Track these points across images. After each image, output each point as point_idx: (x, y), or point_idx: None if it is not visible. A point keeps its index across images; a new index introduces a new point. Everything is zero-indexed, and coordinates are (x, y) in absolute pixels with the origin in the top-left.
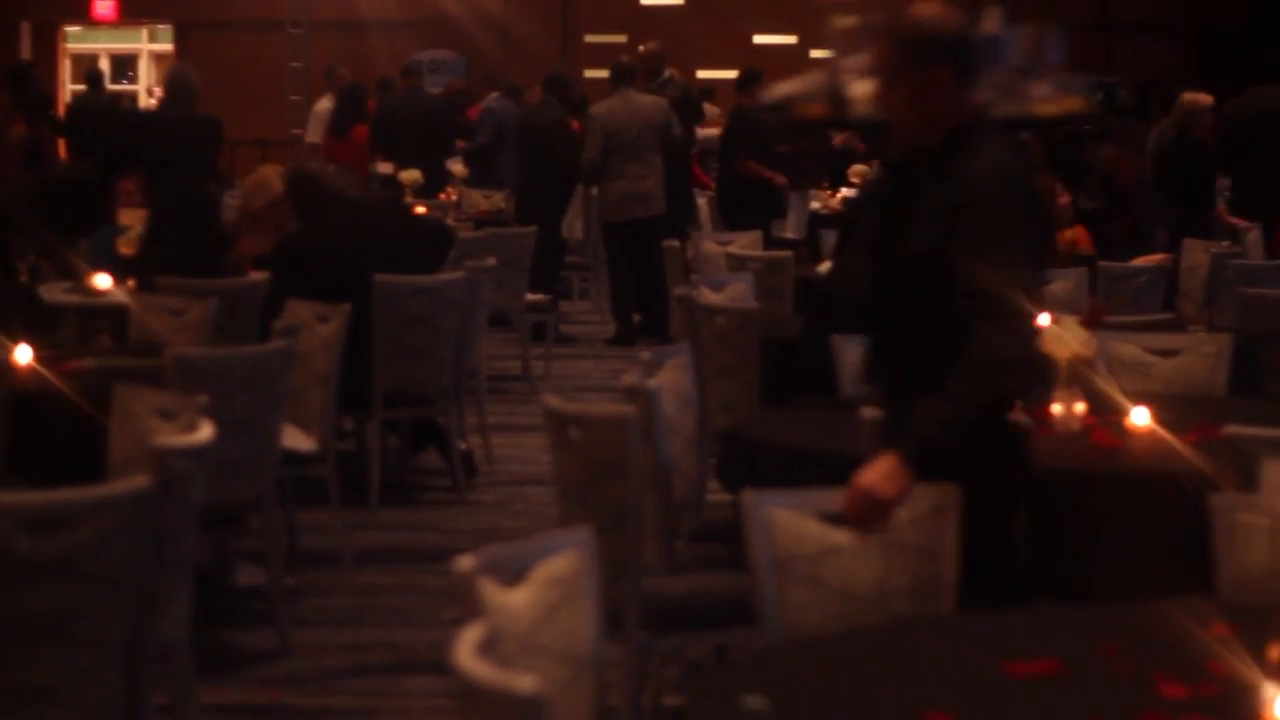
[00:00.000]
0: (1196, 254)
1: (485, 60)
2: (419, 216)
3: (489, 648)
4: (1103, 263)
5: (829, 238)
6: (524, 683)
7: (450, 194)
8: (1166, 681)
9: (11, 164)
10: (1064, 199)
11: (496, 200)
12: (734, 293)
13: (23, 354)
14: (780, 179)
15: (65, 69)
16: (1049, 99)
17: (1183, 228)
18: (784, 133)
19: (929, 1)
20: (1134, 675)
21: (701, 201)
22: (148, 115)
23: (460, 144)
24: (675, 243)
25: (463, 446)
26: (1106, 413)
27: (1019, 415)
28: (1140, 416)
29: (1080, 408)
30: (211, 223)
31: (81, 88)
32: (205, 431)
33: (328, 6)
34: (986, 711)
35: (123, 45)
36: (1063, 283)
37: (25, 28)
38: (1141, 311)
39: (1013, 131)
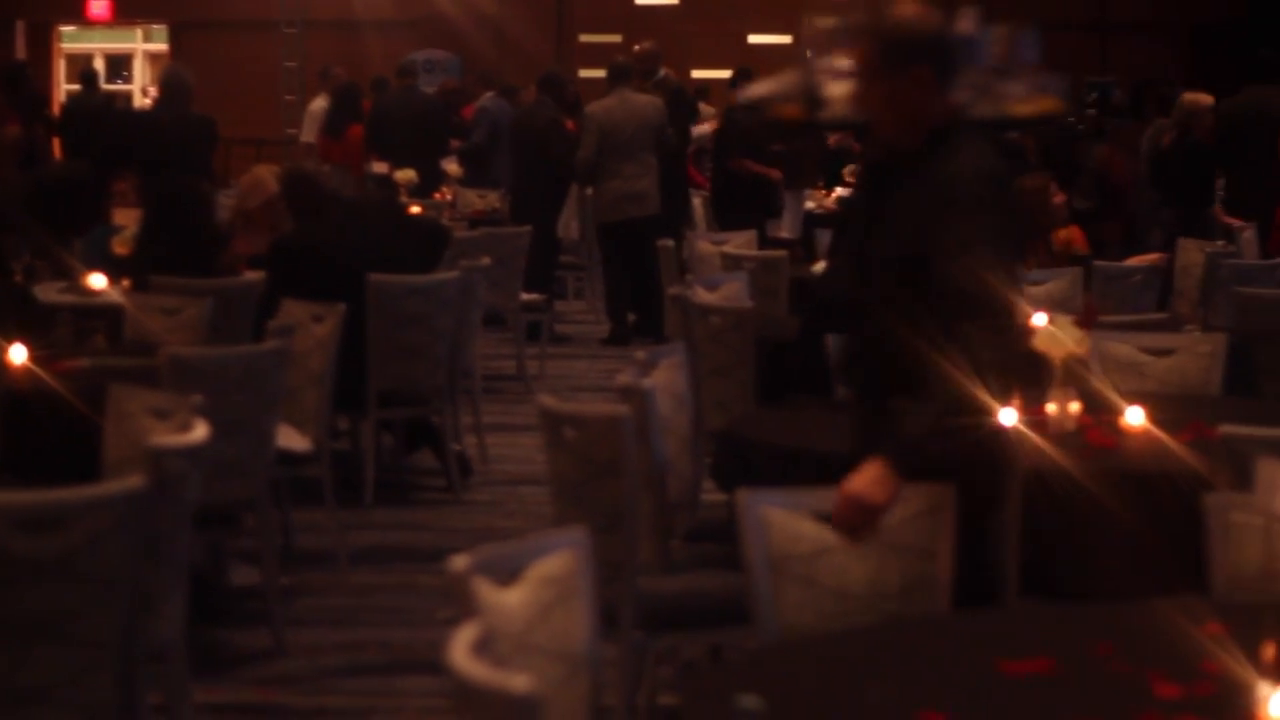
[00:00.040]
0: (1191, 254)
1: (480, 60)
2: (414, 216)
3: (484, 647)
4: (1097, 262)
5: (824, 237)
6: (519, 682)
7: (445, 193)
8: (1161, 681)
9: (6, 164)
10: (1059, 198)
11: (491, 200)
12: (729, 292)
13: (18, 354)
14: (775, 173)
15: (60, 69)
16: (1025, 99)
17: (1183, 227)
18: (778, 132)
19: (909, 1)
20: (1128, 675)
21: (696, 201)
22: (142, 115)
23: (455, 144)
24: (670, 242)
25: (456, 448)
26: (1101, 412)
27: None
28: (1135, 416)
29: (1075, 407)
30: (206, 222)
31: (76, 87)
32: (200, 431)
33: (322, 6)
34: (981, 711)
35: (117, 45)
36: (1057, 282)
37: (20, 27)
38: (1136, 311)
39: (992, 131)
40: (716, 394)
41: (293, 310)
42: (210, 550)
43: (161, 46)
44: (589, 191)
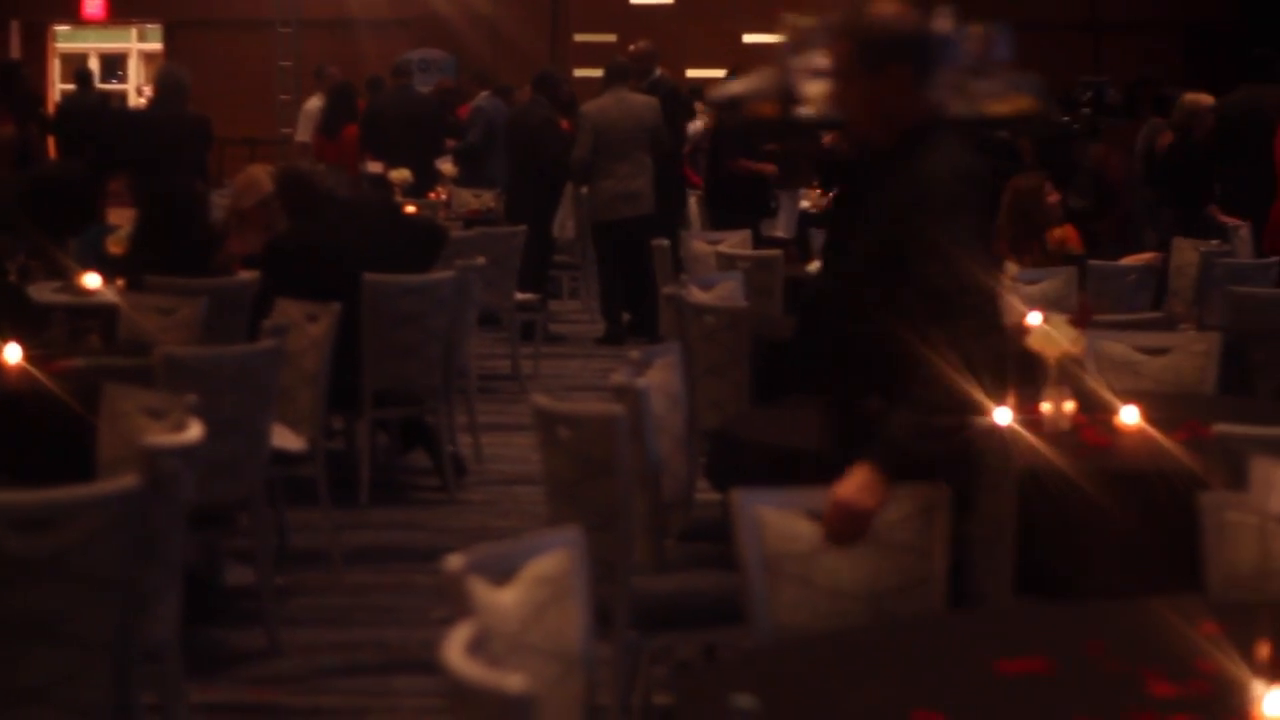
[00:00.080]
0: (1186, 253)
1: (475, 59)
2: (410, 216)
3: (478, 647)
4: (1092, 261)
5: (819, 237)
6: (513, 682)
7: (440, 193)
8: (1156, 680)
9: (1, 163)
10: (1053, 198)
11: (486, 199)
12: (723, 292)
13: (12, 353)
14: (769, 168)
15: (54, 68)
16: (999, 98)
17: (1183, 227)
18: (772, 132)
19: (886, 1)
20: (1123, 674)
21: (691, 200)
22: (137, 114)
23: (450, 143)
24: (665, 242)
25: (450, 449)
26: (1096, 411)
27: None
28: (1130, 415)
29: (1070, 406)
30: (200, 222)
31: (71, 87)
32: (194, 431)
33: (317, 5)
34: (976, 710)
35: (112, 44)
36: (1052, 281)
37: (14, 27)
38: (1131, 310)
39: (982, 131)
40: (711, 393)
41: (287, 310)
42: (205, 550)
43: (156, 46)
44: (584, 191)
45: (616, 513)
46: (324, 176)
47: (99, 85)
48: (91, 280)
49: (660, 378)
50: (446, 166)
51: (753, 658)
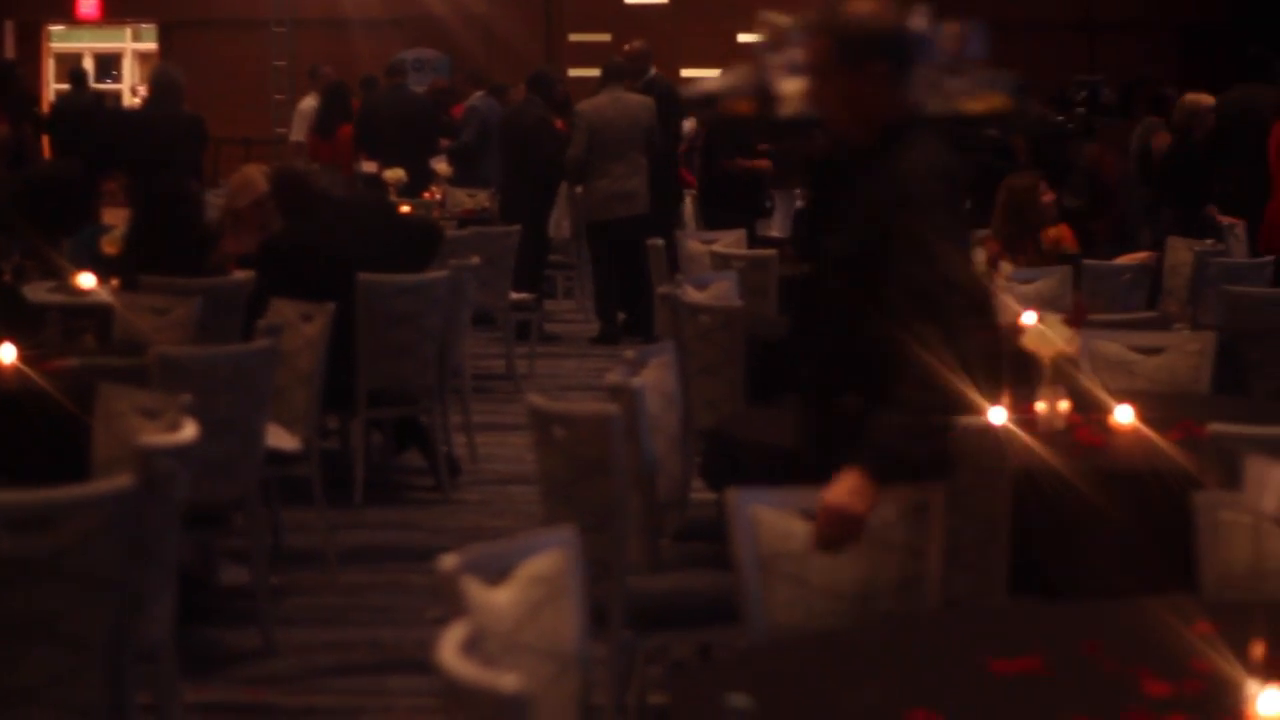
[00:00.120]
0: (1180, 252)
1: (469, 59)
2: (406, 215)
3: (473, 646)
4: (1087, 261)
5: None
6: (508, 681)
7: (434, 193)
8: (1150, 679)
9: None
10: (1048, 197)
11: (481, 199)
12: (718, 291)
13: (6, 353)
14: (764, 164)
15: (49, 68)
16: (973, 96)
17: (1182, 227)
18: (766, 131)
19: None
20: (1118, 673)
21: (686, 200)
22: (131, 114)
23: (444, 143)
24: (659, 241)
25: (443, 449)
26: (1090, 411)
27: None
28: (1124, 414)
29: (1064, 406)
30: (195, 222)
31: (65, 87)
32: (189, 430)
33: (311, 5)
34: (971, 710)
35: (107, 44)
36: (1047, 281)
37: (9, 27)
38: (1126, 309)
39: (944, 128)
40: (706, 393)
41: (282, 309)
42: (200, 550)
43: (150, 46)
44: (579, 190)
45: (611, 512)
46: (319, 176)
47: (93, 85)
48: (86, 280)
49: (655, 377)
50: (441, 166)
51: (748, 657)
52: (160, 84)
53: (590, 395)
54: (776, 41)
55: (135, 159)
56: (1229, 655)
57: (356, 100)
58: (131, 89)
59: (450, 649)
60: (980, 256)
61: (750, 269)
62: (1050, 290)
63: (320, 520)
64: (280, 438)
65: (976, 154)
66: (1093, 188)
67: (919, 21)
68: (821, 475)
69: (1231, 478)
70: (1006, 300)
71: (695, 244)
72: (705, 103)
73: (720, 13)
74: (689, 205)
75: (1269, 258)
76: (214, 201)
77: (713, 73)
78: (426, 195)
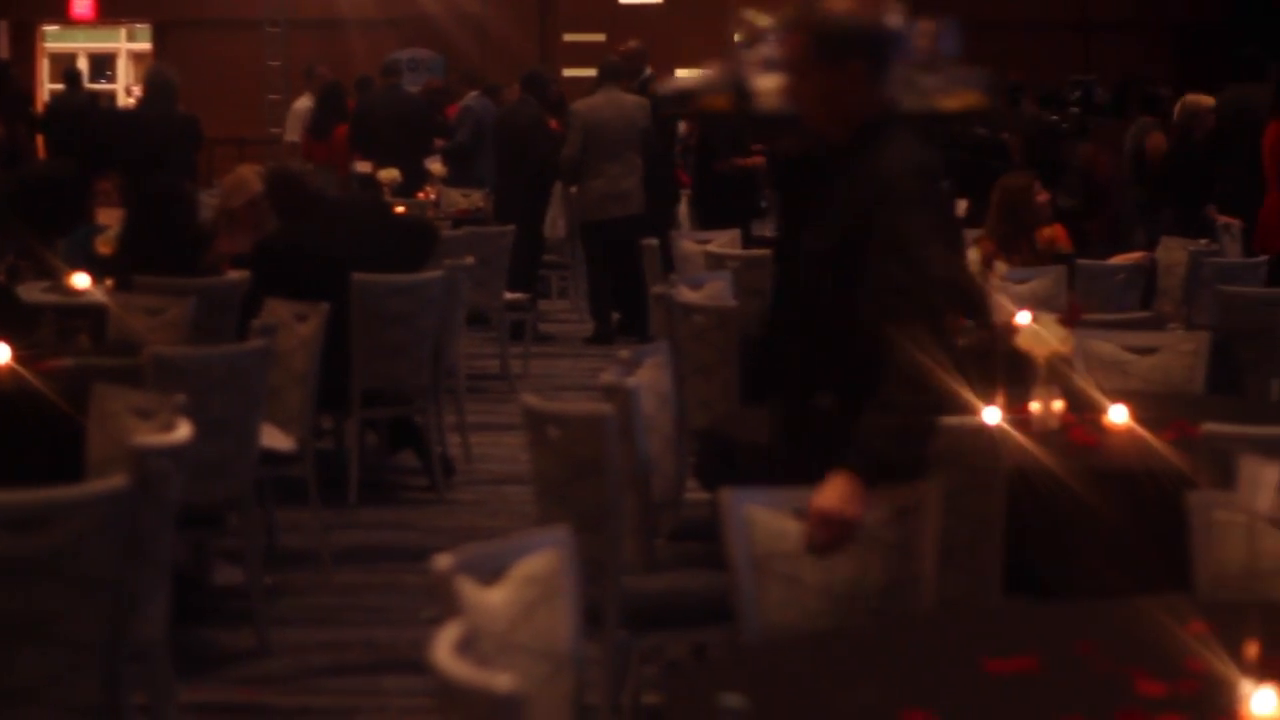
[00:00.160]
0: (1174, 252)
1: (464, 59)
2: (402, 215)
3: (467, 646)
4: (1081, 261)
5: None
6: (502, 681)
7: (429, 193)
8: (1144, 679)
9: None
10: (1042, 197)
11: (475, 199)
12: (712, 291)
13: (1, 353)
14: (759, 160)
15: (43, 68)
16: (947, 93)
17: (1182, 227)
18: (760, 131)
19: None
20: (1112, 673)
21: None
22: (126, 114)
23: (439, 143)
24: (654, 241)
25: (437, 449)
26: (1085, 411)
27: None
28: (1118, 414)
29: (1058, 406)
30: (189, 222)
31: (60, 87)
32: (183, 431)
33: (306, 5)
34: (965, 710)
35: (101, 44)
36: (1041, 281)
37: (3, 27)
38: (1120, 309)
39: (922, 126)
40: (700, 393)
41: (276, 309)
42: (194, 550)
43: (145, 46)
44: (573, 190)
45: (606, 512)
46: (314, 176)
47: (88, 85)
48: (80, 280)
49: (649, 377)
50: (435, 166)
51: (742, 657)
52: (155, 84)
53: (585, 395)
54: (753, 38)
55: (130, 159)
56: (1223, 655)
57: (351, 100)
58: (126, 89)
59: (445, 649)
60: (975, 256)
61: (745, 269)
62: (1045, 290)
63: (315, 520)
64: (275, 438)
65: (971, 154)
66: (1087, 188)
67: (894, 18)
68: (797, 473)
69: (1225, 477)
70: (1001, 300)
71: (690, 244)
72: (680, 99)
73: (715, 12)
74: (684, 205)
75: (1263, 258)
76: (208, 201)
77: None
78: (421, 195)
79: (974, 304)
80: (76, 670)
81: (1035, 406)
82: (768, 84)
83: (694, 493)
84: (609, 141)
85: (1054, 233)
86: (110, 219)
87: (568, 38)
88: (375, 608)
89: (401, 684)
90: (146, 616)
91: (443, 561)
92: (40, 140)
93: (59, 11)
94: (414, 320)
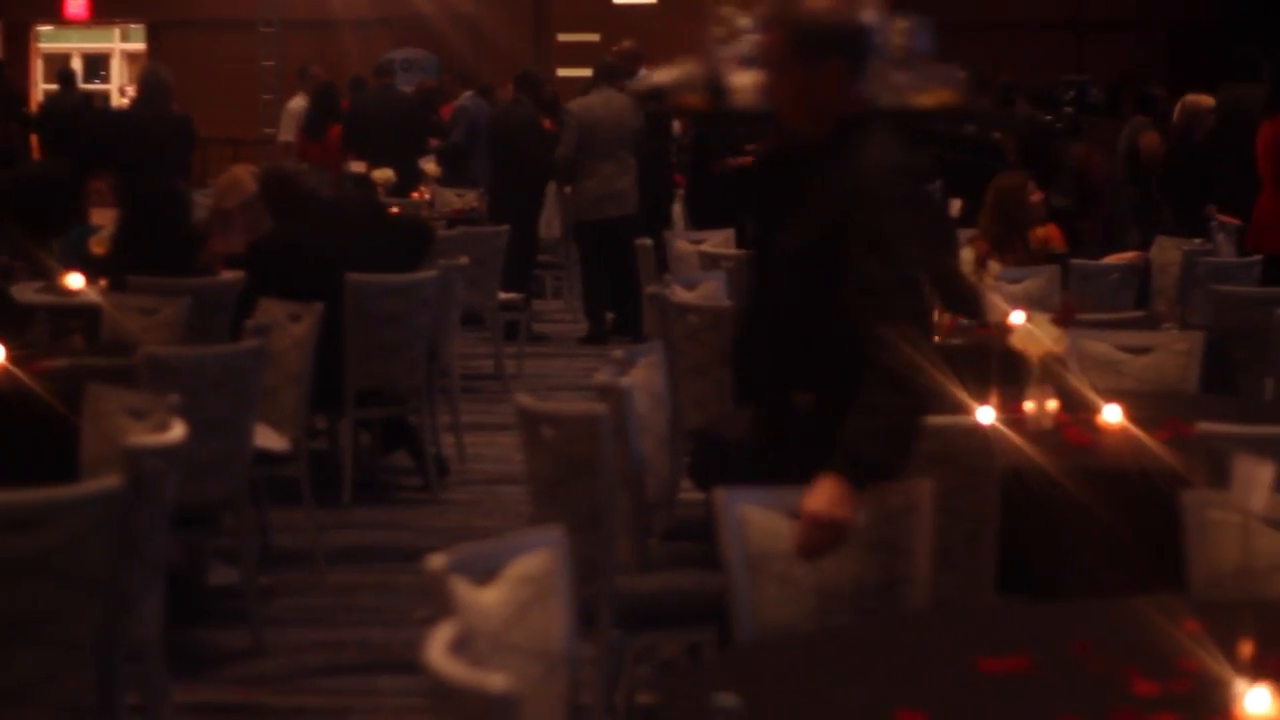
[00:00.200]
0: (1168, 252)
1: (457, 59)
2: (396, 215)
3: (461, 646)
4: (1075, 260)
5: None
6: (496, 681)
7: (423, 193)
8: (1138, 678)
9: None
10: (1036, 196)
11: (469, 199)
12: (706, 291)
13: None
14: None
15: (37, 68)
16: (921, 90)
17: (1182, 227)
18: (755, 131)
19: None
20: (1106, 672)
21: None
22: (120, 114)
23: (433, 143)
24: (648, 241)
25: (431, 450)
26: (1078, 410)
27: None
28: (1112, 414)
29: (1052, 405)
30: (183, 222)
31: (54, 87)
32: (177, 431)
33: (300, 5)
34: (959, 709)
35: (95, 45)
36: (1035, 280)
37: None
38: (1114, 309)
39: (900, 124)
40: (694, 393)
41: (270, 309)
42: (188, 550)
43: (139, 46)
44: (567, 190)
45: (600, 512)
46: (308, 176)
47: (82, 85)
48: (74, 280)
49: (643, 377)
50: (429, 166)
51: (736, 657)
52: (148, 84)
53: (578, 395)
54: (731, 35)
55: (123, 159)
56: (1217, 654)
57: (345, 100)
58: (120, 89)
59: (438, 649)
60: (969, 256)
61: (739, 269)
62: (1038, 290)
63: (309, 520)
64: (268, 438)
65: (966, 154)
66: (1080, 187)
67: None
68: (778, 473)
69: (1219, 477)
70: (995, 300)
71: (684, 244)
72: (654, 96)
73: (709, 12)
74: (678, 205)
75: (1257, 257)
76: (202, 201)
77: None
78: (415, 195)
79: (970, 303)
80: (71, 670)
81: (1029, 406)
82: (743, 81)
83: (688, 493)
84: (603, 141)
85: (1048, 232)
86: (104, 219)
87: (562, 38)
88: (369, 608)
89: (396, 684)
90: (141, 616)
91: (437, 561)
92: (34, 140)
93: (53, 11)
94: (408, 320)
